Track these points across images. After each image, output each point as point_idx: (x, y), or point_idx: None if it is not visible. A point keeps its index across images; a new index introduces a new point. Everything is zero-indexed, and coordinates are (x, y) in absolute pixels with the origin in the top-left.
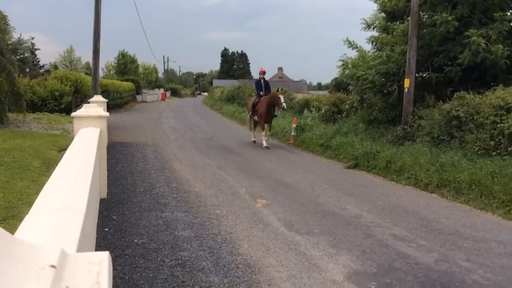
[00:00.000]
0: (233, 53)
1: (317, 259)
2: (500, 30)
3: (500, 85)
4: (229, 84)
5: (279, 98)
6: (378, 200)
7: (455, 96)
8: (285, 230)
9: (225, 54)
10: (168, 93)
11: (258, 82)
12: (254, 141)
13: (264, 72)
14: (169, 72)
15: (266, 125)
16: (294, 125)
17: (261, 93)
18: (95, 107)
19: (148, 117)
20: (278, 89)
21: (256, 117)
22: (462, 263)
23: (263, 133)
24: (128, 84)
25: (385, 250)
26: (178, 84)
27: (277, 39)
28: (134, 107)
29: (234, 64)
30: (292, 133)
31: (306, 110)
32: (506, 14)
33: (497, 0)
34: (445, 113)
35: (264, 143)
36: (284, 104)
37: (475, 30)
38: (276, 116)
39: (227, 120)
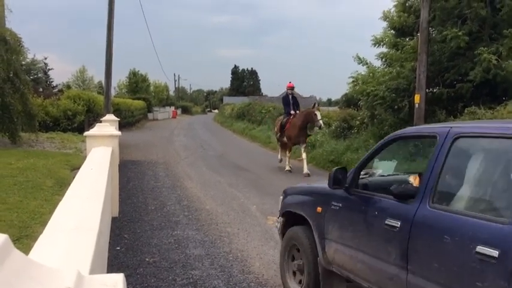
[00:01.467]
0: (243, 70)
1: None
2: (511, 46)
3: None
4: (239, 101)
5: (315, 114)
6: None
7: (466, 111)
8: None
9: (235, 71)
10: (179, 111)
11: (285, 98)
12: (290, 170)
13: (292, 88)
14: (180, 90)
15: (303, 148)
16: None
17: (291, 112)
18: (107, 126)
19: (159, 135)
20: (314, 104)
21: (284, 139)
22: None
23: (288, 155)
24: (139, 103)
25: None
26: (189, 102)
27: (287, 55)
28: (145, 125)
29: (244, 81)
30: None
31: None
32: None
33: (506, 16)
34: None
35: (305, 169)
36: (321, 121)
37: (485, 48)
38: (310, 136)
39: (237, 137)
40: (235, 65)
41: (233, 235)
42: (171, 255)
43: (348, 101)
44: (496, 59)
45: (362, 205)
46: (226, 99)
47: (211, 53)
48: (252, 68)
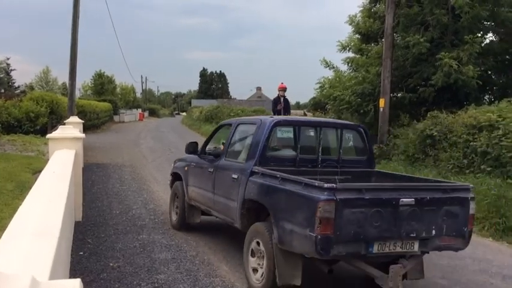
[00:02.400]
0: (212, 72)
1: None
2: (471, 52)
3: (472, 104)
4: (208, 104)
5: None
6: None
7: (428, 115)
8: None
9: (203, 74)
10: (146, 114)
11: (276, 101)
12: None
13: (284, 89)
14: (147, 92)
15: None
16: None
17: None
18: (71, 129)
19: (125, 137)
20: (304, 112)
21: None
22: (439, 280)
23: None
24: (105, 105)
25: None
26: (156, 104)
27: (256, 59)
28: (111, 127)
29: (212, 84)
30: None
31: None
32: (477, 36)
33: (467, 23)
34: (419, 132)
35: None
36: None
37: (447, 53)
38: None
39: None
40: (203, 68)
41: (199, 239)
42: (136, 259)
43: (316, 105)
44: (456, 64)
45: (202, 162)
46: (194, 102)
47: (180, 55)
48: (220, 71)
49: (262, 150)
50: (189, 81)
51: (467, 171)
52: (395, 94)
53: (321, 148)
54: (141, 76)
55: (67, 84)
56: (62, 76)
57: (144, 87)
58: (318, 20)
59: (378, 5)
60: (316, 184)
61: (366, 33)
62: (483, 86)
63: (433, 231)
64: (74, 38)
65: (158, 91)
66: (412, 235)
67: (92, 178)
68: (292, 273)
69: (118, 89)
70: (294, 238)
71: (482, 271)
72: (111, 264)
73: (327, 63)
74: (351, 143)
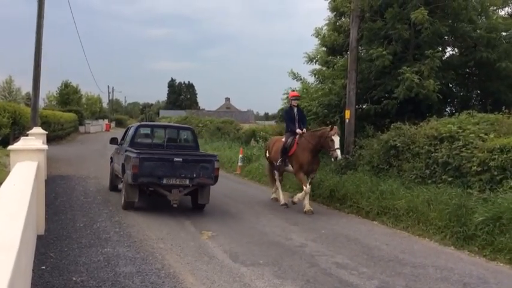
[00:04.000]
0: (180, 83)
1: None
2: (432, 66)
3: (434, 116)
4: (176, 114)
5: (332, 141)
6: (322, 228)
7: (392, 127)
8: (230, 262)
9: (172, 84)
10: (113, 124)
11: (288, 112)
12: (286, 205)
13: (297, 97)
14: (114, 103)
15: (309, 178)
16: (240, 156)
17: (297, 130)
18: (33, 140)
19: (91, 148)
20: (332, 126)
21: (289, 167)
22: None
23: (278, 185)
24: (70, 115)
25: (328, 279)
26: (124, 115)
27: (225, 69)
28: (77, 138)
29: (181, 94)
30: (239, 163)
31: (252, 140)
32: (438, 51)
33: (427, 38)
34: (383, 143)
35: (306, 205)
36: (339, 152)
37: (408, 68)
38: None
39: None
40: (172, 78)
41: (166, 251)
42: (99, 273)
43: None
44: (418, 78)
45: (118, 148)
46: (162, 113)
47: (148, 65)
48: (189, 82)
49: (132, 139)
50: (157, 91)
51: (429, 181)
52: (360, 106)
53: (166, 138)
54: (108, 86)
55: (30, 94)
56: (25, 86)
57: (110, 98)
58: (286, 32)
59: (343, 19)
60: (134, 151)
61: (332, 46)
62: (444, 99)
63: (195, 175)
64: (37, 47)
65: (125, 101)
66: (183, 176)
67: (56, 190)
68: (133, 195)
69: (84, 99)
70: (128, 175)
71: (444, 279)
72: (74, 279)
73: (294, 74)
74: (185, 137)
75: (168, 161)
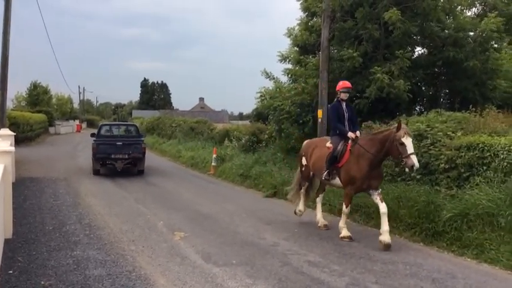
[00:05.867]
0: (153, 83)
1: None
2: (402, 66)
3: (404, 115)
4: (149, 114)
5: (403, 144)
6: (294, 227)
7: (363, 126)
8: (203, 263)
9: (145, 84)
10: (84, 125)
11: (336, 108)
12: (326, 226)
13: (349, 89)
14: (85, 103)
15: (376, 196)
16: (214, 156)
17: (349, 134)
18: (0, 142)
19: (61, 150)
20: (400, 123)
21: (335, 181)
22: (371, 285)
23: (303, 198)
24: (39, 116)
25: (300, 277)
26: (95, 115)
27: (199, 69)
28: (47, 139)
29: (154, 94)
30: (213, 163)
31: (226, 140)
32: (408, 51)
33: (398, 38)
34: None
35: (386, 237)
36: (414, 159)
37: (379, 68)
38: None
39: (146, 152)
40: (145, 78)
41: (137, 253)
42: (69, 277)
43: (259, 115)
44: (388, 78)
45: (95, 141)
46: (135, 113)
47: (120, 65)
48: (162, 82)
49: (98, 133)
50: (130, 91)
51: (399, 179)
52: None
53: (119, 131)
54: (79, 86)
55: None
56: None
57: (82, 98)
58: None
59: (314, 19)
60: (94, 140)
61: (304, 46)
62: (413, 98)
63: (130, 151)
64: (4, 47)
65: (97, 102)
66: (124, 152)
67: (24, 193)
68: (97, 166)
69: (54, 100)
70: (92, 154)
71: (413, 275)
72: (42, 283)
73: (267, 74)
74: (131, 130)
75: (114, 144)
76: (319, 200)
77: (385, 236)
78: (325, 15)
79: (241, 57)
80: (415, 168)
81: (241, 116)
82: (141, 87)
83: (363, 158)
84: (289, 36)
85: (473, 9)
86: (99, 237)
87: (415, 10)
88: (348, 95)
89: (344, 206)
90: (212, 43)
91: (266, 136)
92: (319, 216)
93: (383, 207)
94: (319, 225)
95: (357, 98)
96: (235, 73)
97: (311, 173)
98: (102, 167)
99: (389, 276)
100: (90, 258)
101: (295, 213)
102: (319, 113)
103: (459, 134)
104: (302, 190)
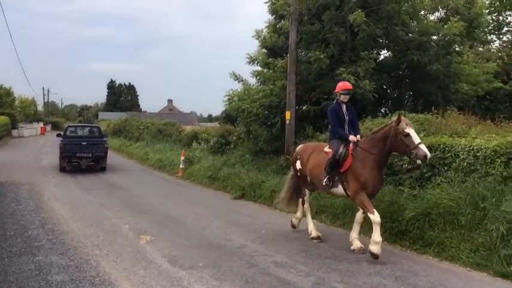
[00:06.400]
0: (120, 84)
1: None
2: (367, 67)
3: (369, 117)
4: (116, 117)
5: (408, 135)
6: (262, 228)
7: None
8: (169, 266)
9: (111, 86)
10: (49, 127)
11: (335, 111)
12: (320, 238)
13: (349, 91)
14: (50, 105)
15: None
16: (182, 158)
17: (350, 137)
18: None
19: (24, 153)
20: (399, 116)
21: (337, 189)
22: (337, 284)
23: (307, 208)
24: (2, 119)
25: (266, 278)
26: (60, 118)
27: (168, 71)
28: (9, 142)
29: (121, 96)
30: (181, 166)
31: (194, 142)
32: (372, 53)
33: (363, 40)
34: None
35: (374, 249)
36: (424, 147)
37: (345, 69)
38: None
39: (113, 155)
40: (111, 80)
41: (101, 257)
42: (30, 283)
43: (228, 117)
44: (354, 79)
45: (62, 141)
46: (101, 115)
47: (86, 67)
48: (129, 83)
49: (64, 133)
50: (97, 93)
51: None
52: (300, 107)
53: (83, 132)
54: (43, 88)
55: None
56: None
57: (46, 100)
58: (230, 34)
59: (282, 21)
60: (61, 139)
61: (272, 48)
62: (379, 100)
63: (94, 150)
64: None
65: (62, 104)
66: (88, 151)
67: None
68: (63, 163)
69: (17, 102)
70: (59, 153)
71: (377, 273)
72: None
73: (236, 76)
74: (95, 131)
75: (79, 144)
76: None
77: (374, 247)
78: (293, 18)
79: (209, 59)
80: (428, 157)
81: (210, 118)
82: (107, 88)
83: (368, 160)
84: (257, 38)
85: (436, 13)
86: (62, 242)
87: (380, 14)
88: (348, 97)
89: (371, 215)
90: (180, 44)
91: (235, 138)
92: (311, 224)
93: (377, 217)
94: (311, 236)
95: (324, 100)
96: (204, 75)
97: (308, 178)
98: (68, 164)
99: (353, 275)
100: (52, 264)
101: (292, 226)
102: (287, 114)
103: (421, 135)
104: (306, 197)
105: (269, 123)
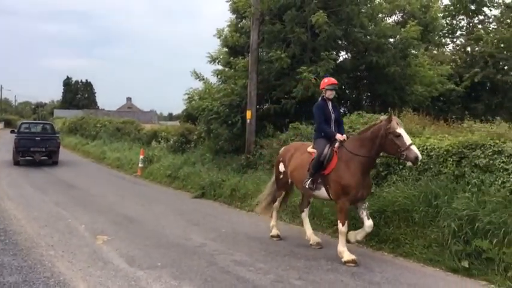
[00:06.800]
0: (77, 81)
1: None
2: (327, 67)
3: None
4: (72, 114)
5: (399, 135)
6: (222, 227)
7: (290, 126)
8: (126, 266)
9: (67, 83)
10: (1, 125)
11: (321, 107)
12: (279, 236)
13: (335, 86)
14: (3, 102)
15: (362, 210)
16: (141, 157)
17: (337, 135)
18: None
19: None
20: (390, 115)
21: (320, 192)
22: (295, 281)
23: (274, 215)
24: None
25: (226, 277)
26: (14, 115)
27: (127, 68)
28: None
29: (78, 93)
30: (140, 165)
31: (154, 141)
32: (332, 54)
33: (323, 41)
34: (282, 142)
35: (343, 258)
36: (415, 149)
37: (306, 68)
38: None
39: (69, 153)
40: (67, 76)
41: (56, 258)
42: None
43: (189, 116)
44: (314, 78)
45: (17, 136)
46: (57, 112)
47: (41, 63)
48: (87, 80)
49: (19, 129)
50: (52, 90)
51: None
52: (261, 106)
53: (37, 128)
54: None
55: None
56: None
57: None
58: (191, 33)
59: (244, 21)
60: (15, 136)
61: (234, 47)
62: (338, 100)
63: (47, 145)
64: None
65: (16, 101)
66: (41, 146)
67: None
68: (17, 157)
69: None
70: (14, 147)
71: (334, 270)
72: None
73: (197, 74)
74: (47, 127)
75: (33, 139)
76: (305, 215)
77: (341, 255)
78: (254, 18)
79: (171, 57)
80: (419, 159)
81: (171, 117)
82: (63, 85)
83: (353, 162)
84: (219, 37)
85: (394, 16)
86: (15, 243)
87: (339, 15)
88: (334, 93)
89: (340, 224)
90: (140, 42)
91: (195, 137)
92: (310, 232)
93: (370, 225)
94: (311, 243)
95: (285, 99)
96: (165, 73)
97: (289, 180)
98: (22, 157)
99: (311, 272)
100: (5, 265)
101: (272, 236)
102: (248, 113)
103: None
104: (276, 203)
105: (230, 122)
